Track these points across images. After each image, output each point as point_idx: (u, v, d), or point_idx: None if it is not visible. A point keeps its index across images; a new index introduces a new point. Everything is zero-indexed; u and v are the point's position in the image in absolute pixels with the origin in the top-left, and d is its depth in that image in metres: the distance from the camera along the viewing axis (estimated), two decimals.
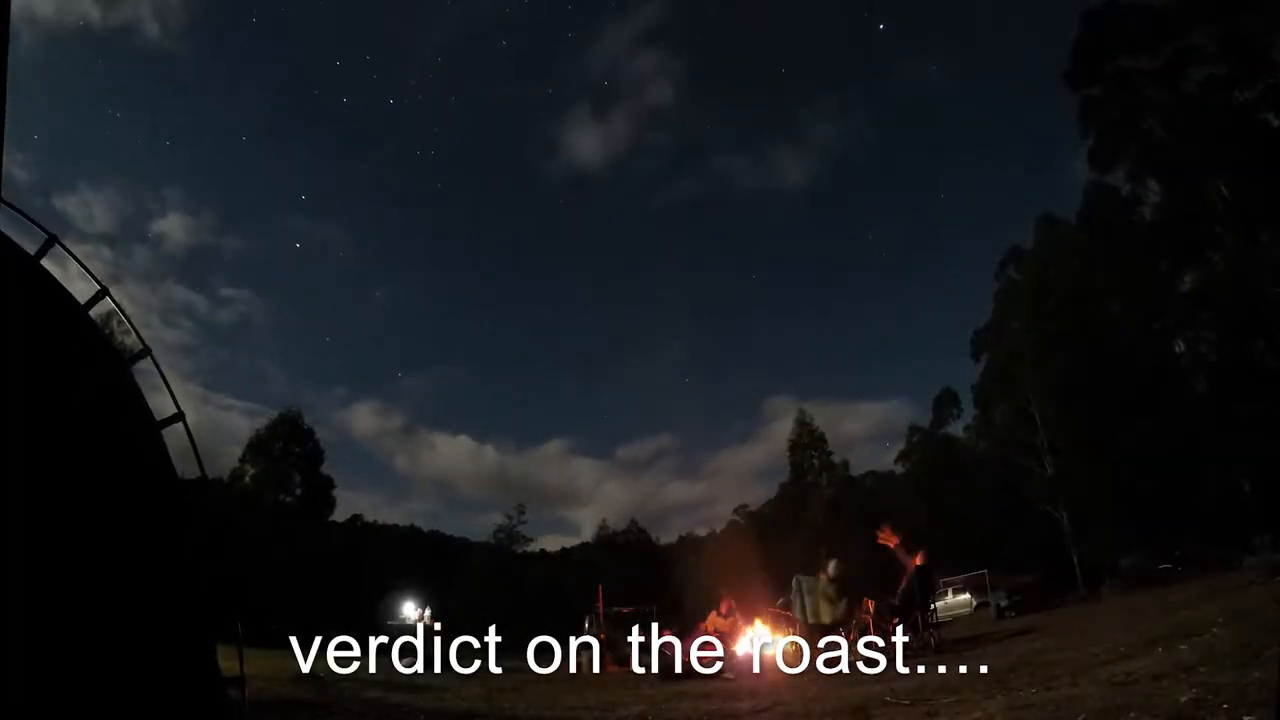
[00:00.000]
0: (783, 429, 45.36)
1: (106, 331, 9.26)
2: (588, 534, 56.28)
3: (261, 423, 39.17)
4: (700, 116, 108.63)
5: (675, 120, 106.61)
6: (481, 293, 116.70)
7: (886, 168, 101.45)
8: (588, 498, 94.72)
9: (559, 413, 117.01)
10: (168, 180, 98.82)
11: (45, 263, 3.22)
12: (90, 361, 3.33)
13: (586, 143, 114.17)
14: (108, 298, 3.47)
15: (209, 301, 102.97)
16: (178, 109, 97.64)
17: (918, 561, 10.53)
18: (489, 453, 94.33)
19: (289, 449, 37.47)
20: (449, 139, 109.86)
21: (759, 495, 51.68)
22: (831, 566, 10.84)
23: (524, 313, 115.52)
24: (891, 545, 10.51)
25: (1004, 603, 20.02)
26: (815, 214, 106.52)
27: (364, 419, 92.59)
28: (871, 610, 10.26)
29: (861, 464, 55.54)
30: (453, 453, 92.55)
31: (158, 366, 3.65)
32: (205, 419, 59.91)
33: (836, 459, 42.05)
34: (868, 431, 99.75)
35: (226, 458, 38.44)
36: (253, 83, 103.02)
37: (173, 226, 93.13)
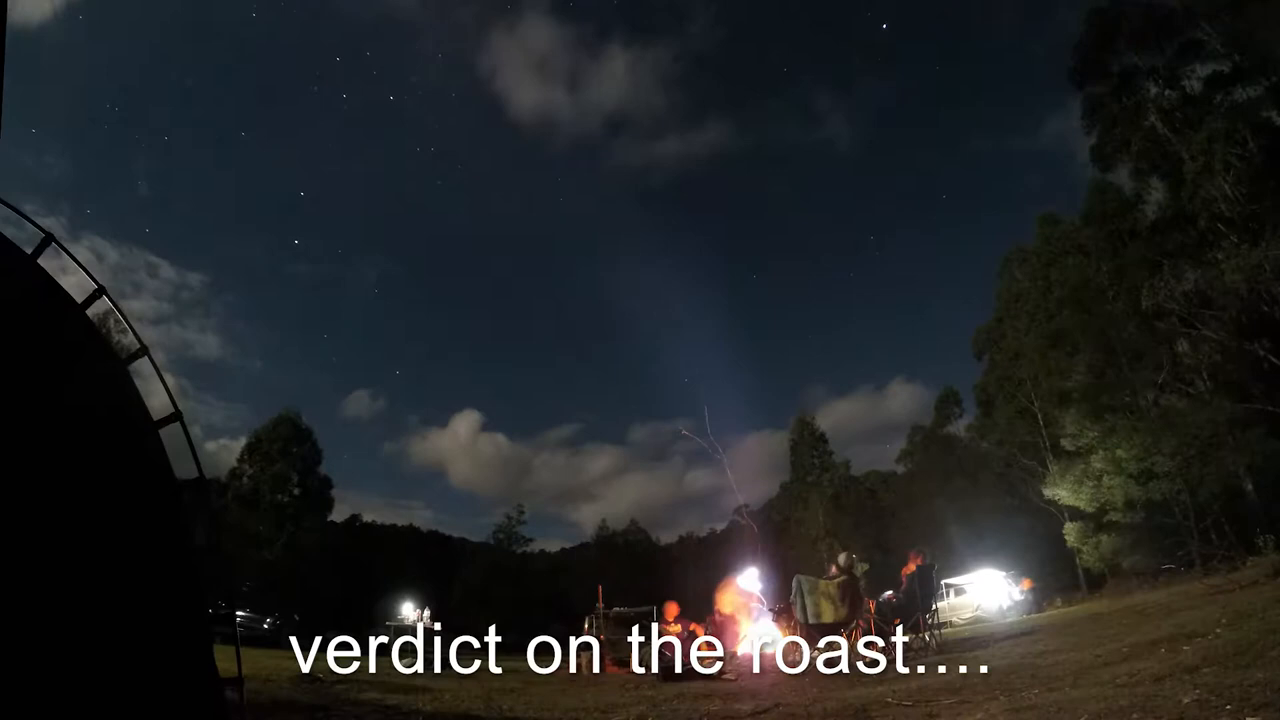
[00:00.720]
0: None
1: (104, 331, 9.23)
2: (588, 534, 56.28)
3: (253, 417, 39.19)
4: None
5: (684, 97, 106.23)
6: (482, 285, 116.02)
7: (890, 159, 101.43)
8: (595, 491, 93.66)
9: (564, 403, 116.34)
10: (159, 177, 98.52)
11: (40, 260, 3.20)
12: (87, 361, 3.31)
13: (591, 120, 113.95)
14: (105, 297, 3.45)
15: (208, 301, 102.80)
16: (172, 101, 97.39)
17: (919, 561, 10.52)
18: (491, 443, 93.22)
19: (287, 449, 37.45)
20: (447, 128, 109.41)
21: (773, 489, 51.22)
22: (841, 558, 10.82)
23: (525, 301, 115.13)
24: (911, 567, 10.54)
25: (1007, 604, 20.01)
26: (820, 206, 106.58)
27: (362, 417, 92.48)
28: (873, 610, 10.24)
29: (864, 463, 55.44)
30: (453, 445, 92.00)
31: (156, 367, 3.63)
32: (192, 411, 59.87)
33: (838, 458, 42.05)
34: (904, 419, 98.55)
35: (212, 448, 38.38)
36: (251, 76, 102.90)
37: (160, 206, 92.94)
